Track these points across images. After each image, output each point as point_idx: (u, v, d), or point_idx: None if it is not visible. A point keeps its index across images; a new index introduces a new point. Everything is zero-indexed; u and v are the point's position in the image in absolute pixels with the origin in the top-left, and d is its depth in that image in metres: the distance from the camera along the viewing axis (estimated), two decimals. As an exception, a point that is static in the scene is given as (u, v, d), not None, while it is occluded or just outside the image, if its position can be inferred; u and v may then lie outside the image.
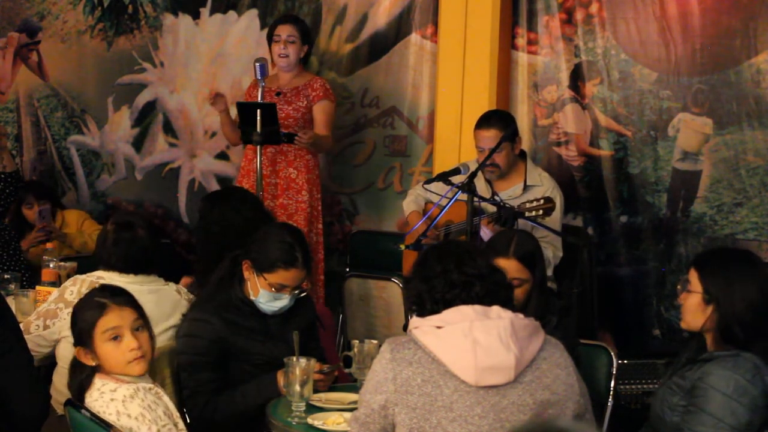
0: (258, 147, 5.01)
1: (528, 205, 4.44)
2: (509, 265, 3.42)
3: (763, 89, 5.02)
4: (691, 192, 5.19)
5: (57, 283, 4.32)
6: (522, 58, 5.56)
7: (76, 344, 2.96)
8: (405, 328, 2.90)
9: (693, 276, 3.02)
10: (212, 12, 6.36)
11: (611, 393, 3.74)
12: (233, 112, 5.38)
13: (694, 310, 3.01)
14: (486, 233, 4.45)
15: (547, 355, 2.62)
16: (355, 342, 3.41)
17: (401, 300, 4.84)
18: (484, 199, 4.47)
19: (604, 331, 5.27)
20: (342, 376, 3.57)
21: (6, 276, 4.55)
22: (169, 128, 6.52)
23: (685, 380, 2.96)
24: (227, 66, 6.32)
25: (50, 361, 3.77)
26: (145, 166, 6.59)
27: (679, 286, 3.09)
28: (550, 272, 4.68)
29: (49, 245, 5.19)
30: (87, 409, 2.88)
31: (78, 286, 3.69)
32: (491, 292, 2.63)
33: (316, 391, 3.22)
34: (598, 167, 5.40)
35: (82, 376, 2.94)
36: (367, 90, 5.97)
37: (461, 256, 2.68)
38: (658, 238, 5.28)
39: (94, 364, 2.93)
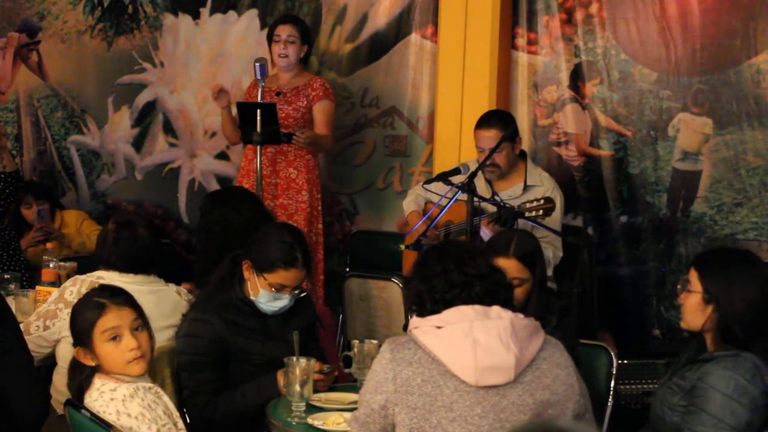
0: (258, 147, 5.00)
1: (528, 205, 4.44)
2: (509, 265, 3.41)
3: (763, 89, 5.01)
4: (691, 192, 5.19)
5: (57, 283, 4.32)
6: (522, 58, 5.56)
7: (75, 344, 2.96)
8: (405, 328, 2.90)
9: (693, 276, 3.02)
10: (212, 12, 6.36)
11: (611, 393, 3.74)
12: (233, 111, 5.38)
13: (694, 310, 3.01)
14: (486, 233, 4.45)
15: (547, 355, 2.62)
16: (355, 342, 3.41)
17: (401, 300, 4.84)
18: (484, 199, 4.47)
19: (604, 331, 5.27)
20: (342, 376, 3.56)
21: (6, 276, 4.55)
22: (169, 128, 6.52)
23: (685, 380, 2.96)
24: (227, 66, 6.31)
25: (50, 361, 3.77)
26: (145, 166, 6.59)
27: (679, 286, 3.09)
28: (550, 272, 4.68)
29: (48, 245, 5.19)
30: (87, 409, 2.88)
31: (78, 287, 3.69)
32: (491, 292, 2.63)
33: (316, 391, 3.22)
34: (598, 167, 5.40)
35: (81, 376, 2.94)
36: (367, 90, 5.96)
37: (461, 256, 2.68)
38: (658, 238, 5.27)
39: (93, 364, 2.93)
